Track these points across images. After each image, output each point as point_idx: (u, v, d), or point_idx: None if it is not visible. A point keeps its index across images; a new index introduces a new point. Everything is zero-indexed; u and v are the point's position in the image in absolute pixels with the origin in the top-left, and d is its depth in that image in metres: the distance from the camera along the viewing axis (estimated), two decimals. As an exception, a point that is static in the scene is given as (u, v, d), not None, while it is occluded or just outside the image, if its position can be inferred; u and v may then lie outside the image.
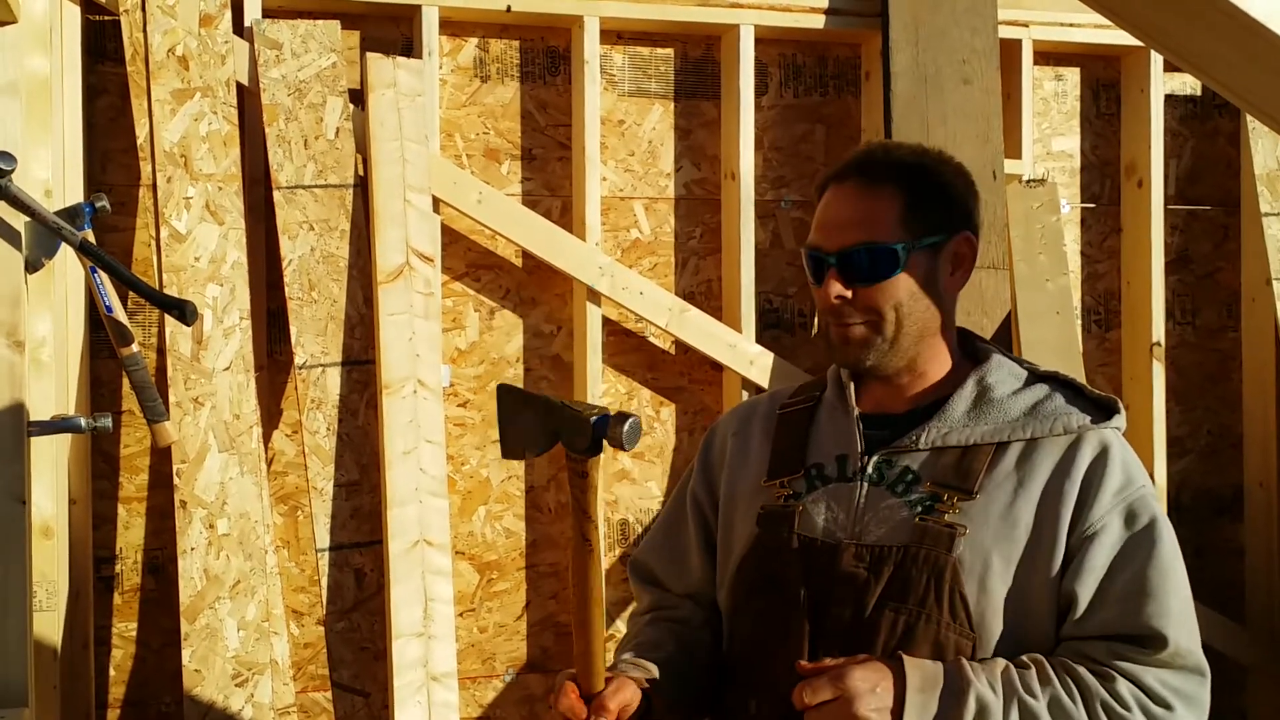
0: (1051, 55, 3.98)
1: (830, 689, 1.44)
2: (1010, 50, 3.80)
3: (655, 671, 1.65)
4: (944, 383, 1.62)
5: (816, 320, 3.81)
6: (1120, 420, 1.56)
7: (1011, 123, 3.79)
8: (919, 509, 1.52)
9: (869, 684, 1.43)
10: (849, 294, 1.57)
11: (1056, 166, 4.01)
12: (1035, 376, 1.61)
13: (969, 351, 1.67)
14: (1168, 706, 1.45)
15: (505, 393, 1.61)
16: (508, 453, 1.66)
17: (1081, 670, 1.45)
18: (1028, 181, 3.77)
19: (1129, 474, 1.52)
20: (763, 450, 1.69)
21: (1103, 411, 1.56)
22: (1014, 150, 3.78)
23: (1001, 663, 1.47)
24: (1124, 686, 1.44)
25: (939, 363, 1.63)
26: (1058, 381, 1.60)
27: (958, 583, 1.48)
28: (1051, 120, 4.02)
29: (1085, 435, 1.52)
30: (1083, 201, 4.04)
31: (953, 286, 1.61)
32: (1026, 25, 3.85)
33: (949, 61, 3.56)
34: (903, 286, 1.56)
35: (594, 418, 1.48)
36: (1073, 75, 4.04)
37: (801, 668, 1.49)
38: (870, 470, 1.57)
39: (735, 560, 1.67)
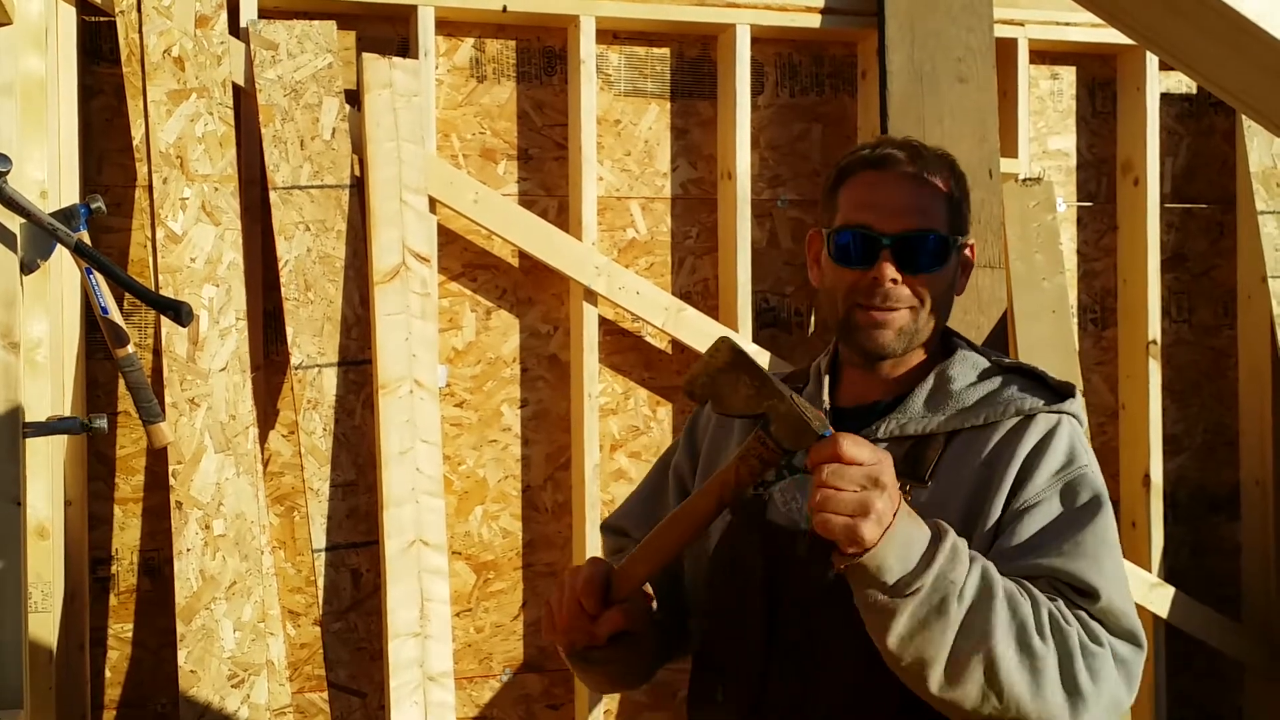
0: (1047, 54, 3.98)
1: (865, 461, 1.36)
2: (1006, 49, 3.80)
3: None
4: (913, 375, 1.63)
5: (813, 318, 3.82)
6: (1073, 405, 1.57)
7: (1008, 121, 3.79)
8: None
9: (889, 485, 1.37)
10: (900, 278, 1.56)
11: (1052, 165, 4.01)
12: (997, 368, 1.62)
13: (944, 346, 1.69)
14: (1099, 642, 1.44)
15: (735, 351, 1.47)
16: (695, 392, 1.51)
17: (1056, 600, 1.45)
18: (1024, 180, 3.77)
19: (1073, 454, 1.53)
20: (742, 436, 1.69)
21: (1058, 396, 1.58)
22: (1010, 149, 3.78)
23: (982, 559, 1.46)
24: (1094, 623, 1.44)
25: (917, 356, 1.65)
26: (1018, 371, 1.62)
27: None
28: (1047, 119, 4.02)
29: (1036, 417, 1.54)
30: (1079, 200, 4.04)
31: (961, 286, 1.66)
32: (1022, 24, 3.85)
33: (945, 60, 3.56)
34: (945, 279, 1.59)
35: (821, 432, 1.39)
36: (1069, 74, 4.04)
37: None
38: None
39: (711, 543, 1.66)
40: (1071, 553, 1.47)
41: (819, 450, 1.36)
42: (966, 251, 1.65)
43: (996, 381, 1.59)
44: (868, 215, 1.58)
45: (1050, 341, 3.61)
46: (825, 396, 1.68)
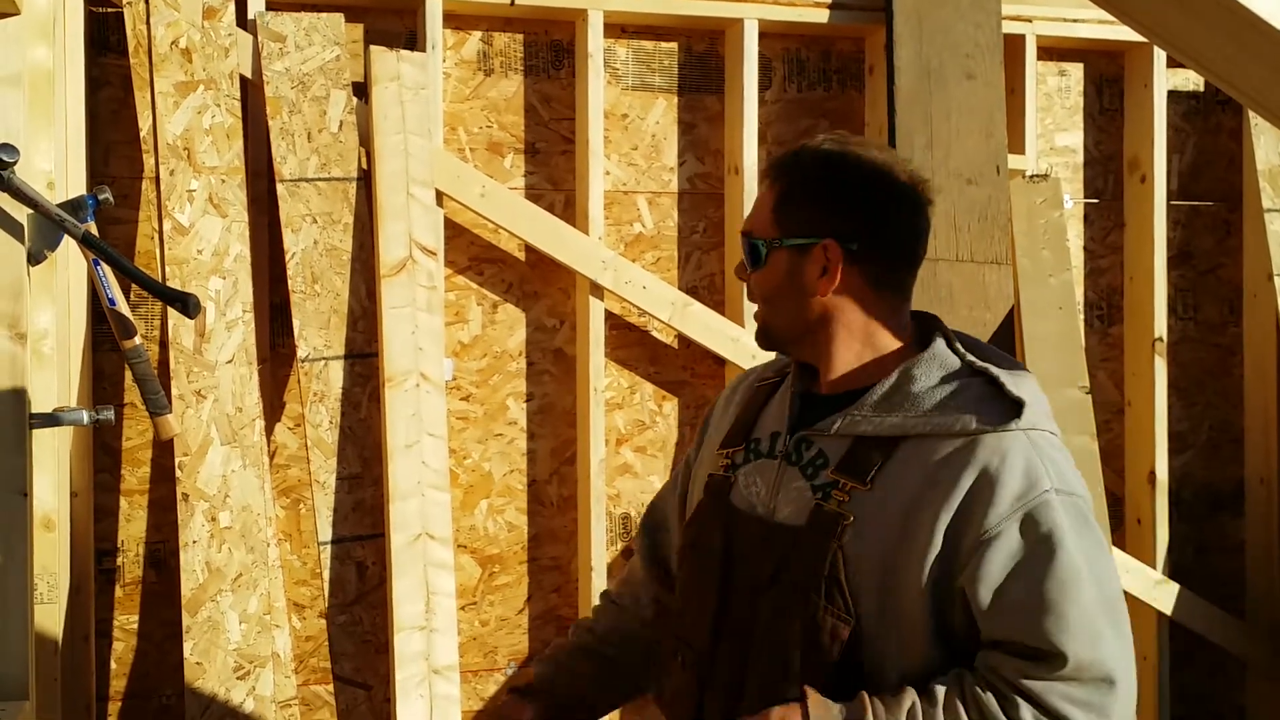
0: (1055, 50, 3.98)
1: None
2: (1014, 45, 3.80)
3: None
4: (879, 369, 1.60)
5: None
6: (1020, 423, 1.51)
7: (1015, 118, 3.79)
8: (820, 494, 1.54)
9: None
10: (746, 276, 1.65)
11: (1060, 162, 4.00)
12: (965, 370, 1.57)
13: (923, 340, 1.64)
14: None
15: None
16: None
17: (988, 698, 1.46)
18: (1031, 177, 3.77)
19: (1031, 478, 1.48)
20: (729, 420, 1.74)
21: (1011, 411, 1.52)
22: (1017, 145, 3.77)
23: (909, 698, 1.48)
24: (1027, 713, 1.44)
25: (857, 353, 1.61)
26: (981, 376, 1.56)
27: (836, 569, 1.50)
28: (1055, 115, 4.01)
29: (984, 438, 1.49)
30: (1086, 197, 4.03)
31: (825, 288, 1.58)
32: (1030, 20, 3.84)
33: (953, 56, 3.55)
34: (767, 280, 1.60)
35: None
36: (1076, 71, 4.04)
37: None
38: (790, 449, 1.60)
39: (687, 520, 1.74)
40: (1034, 615, 1.45)
41: None
42: (819, 252, 1.57)
43: (955, 386, 1.54)
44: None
45: (1057, 338, 3.61)
46: (790, 382, 1.69)
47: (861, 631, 1.50)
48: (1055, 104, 4.01)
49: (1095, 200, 4.04)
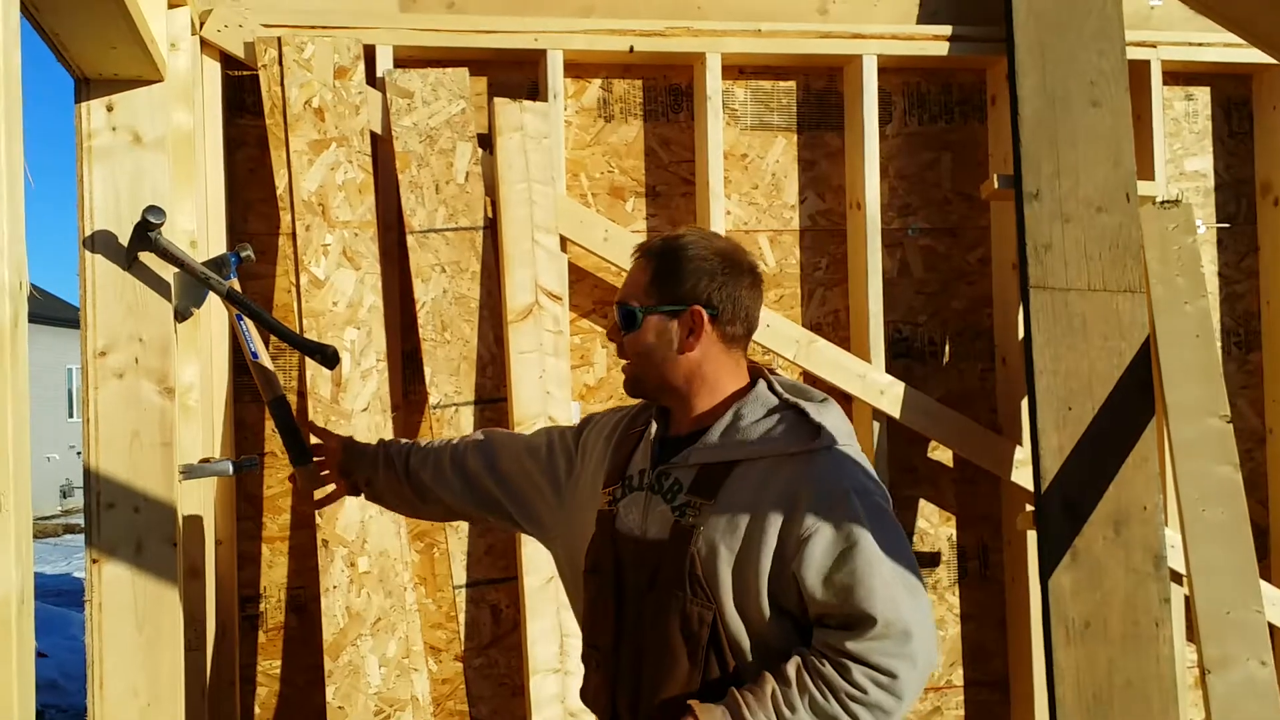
0: (1181, 75, 3.89)
1: None
2: (1139, 71, 3.73)
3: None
4: (720, 409, 1.98)
5: (947, 348, 3.77)
6: (822, 441, 1.90)
7: (1143, 144, 3.72)
8: (677, 513, 1.92)
9: None
10: (620, 339, 2.00)
11: (1190, 187, 3.91)
12: (780, 406, 1.95)
13: (753, 383, 2.01)
14: (892, 675, 1.82)
15: None
16: None
17: (826, 668, 1.83)
18: (1161, 203, 3.68)
19: (834, 484, 1.88)
20: (606, 461, 2.11)
21: (814, 434, 1.91)
22: (1146, 172, 3.70)
23: (769, 685, 1.84)
24: (858, 672, 1.82)
25: (708, 397, 1.98)
26: (793, 409, 1.94)
27: (695, 568, 1.88)
28: (1183, 140, 3.92)
29: (797, 456, 1.90)
30: (1218, 221, 3.93)
31: (691, 346, 1.95)
32: (1155, 46, 3.77)
33: (1077, 84, 3.49)
34: (641, 340, 1.97)
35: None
36: (1203, 95, 3.94)
37: None
38: (653, 482, 1.98)
39: (584, 546, 2.07)
40: (848, 591, 1.83)
41: None
42: (687, 318, 1.95)
43: (773, 419, 1.94)
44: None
45: (1195, 366, 3.50)
46: (650, 429, 2.04)
47: (721, 615, 1.88)
48: (1183, 129, 3.92)
49: (1228, 225, 3.93)
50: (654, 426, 2.05)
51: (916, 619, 1.85)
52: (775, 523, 1.86)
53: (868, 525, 1.86)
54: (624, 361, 2.03)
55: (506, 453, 2.27)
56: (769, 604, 1.88)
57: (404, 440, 2.40)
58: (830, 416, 1.94)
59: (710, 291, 1.97)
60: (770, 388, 2.00)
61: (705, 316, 1.96)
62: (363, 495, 2.40)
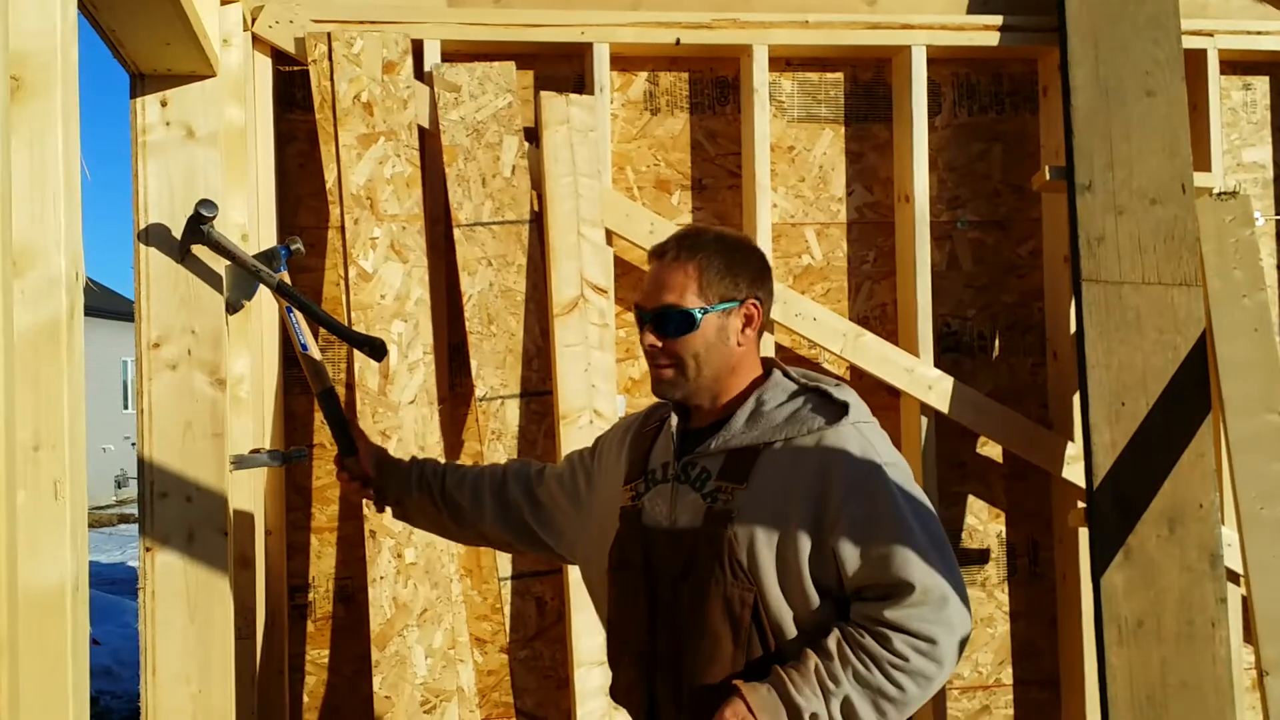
0: (1238, 64, 3.83)
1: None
2: (1195, 60, 3.67)
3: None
4: (740, 399, 2.01)
5: (997, 342, 3.73)
6: (847, 419, 1.93)
7: (1199, 134, 3.65)
8: (709, 499, 1.95)
9: None
10: (660, 344, 1.99)
11: (1248, 178, 3.84)
12: (801, 390, 2.00)
13: (766, 372, 2.06)
14: (932, 640, 1.85)
15: None
16: None
17: (867, 639, 1.85)
18: (1218, 194, 3.62)
19: (865, 458, 1.91)
20: (623, 461, 2.15)
21: (840, 412, 1.94)
22: (1202, 163, 3.64)
23: (812, 660, 1.86)
24: (899, 640, 1.84)
25: (739, 386, 2.02)
26: (815, 392, 1.99)
27: (733, 552, 1.90)
28: (1241, 131, 3.85)
29: (825, 433, 1.93)
30: (1277, 214, 3.86)
31: (746, 339, 2.01)
32: (1211, 34, 3.71)
33: (1131, 74, 3.44)
34: (697, 341, 1.97)
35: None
36: (1261, 84, 3.87)
37: None
38: (679, 472, 2.00)
39: (607, 549, 2.09)
40: (884, 560, 1.86)
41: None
42: (745, 309, 1.99)
43: (797, 402, 1.98)
44: (641, 297, 2.05)
45: (1252, 361, 3.44)
46: (672, 424, 2.06)
47: (764, 597, 1.90)
48: (1241, 119, 3.85)
49: (1287, 217, 3.87)
50: (674, 419, 2.07)
51: (952, 584, 1.88)
52: (810, 500, 1.89)
53: (899, 496, 1.90)
54: (663, 366, 2.01)
55: (543, 484, 2.29)
56: (811, 584, 1.90)
57: (437, 461, 2.40)
58: (853, 396, 1.99)
59: (759, 283, 2.03)
60: (786, 375, 2.05)
61: (759, 309, 2.01)
62: (389, 511, 2.39)
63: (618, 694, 2.12)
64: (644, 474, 2.07)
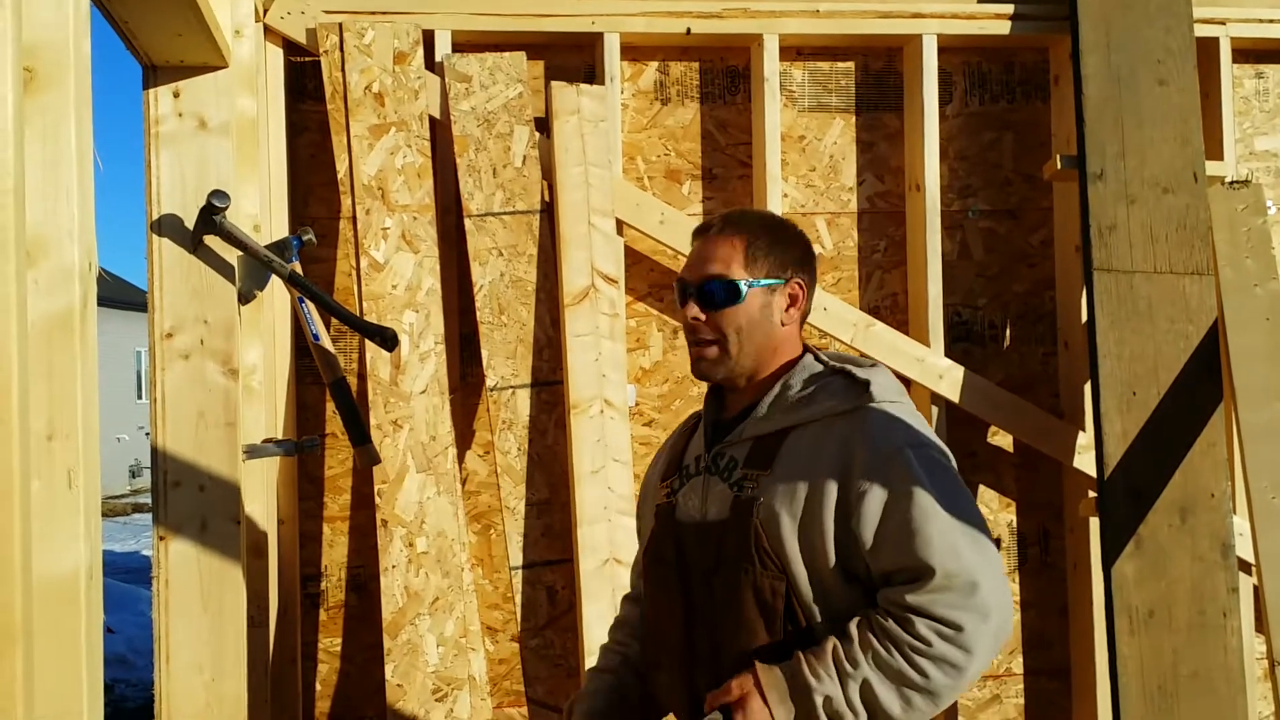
0: (1251, 52, 3.81)
1: None
2: (1207, 48, 3.66)
3: None
4: (768, 383, 1.99)
5: (1008, 331, 3.73)
6: (871, 396, 1.90)
7: (1211, 123, 3.64)
8: (736, 488, 1.93)
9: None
10: (704, 316, 1.96)
11: (1260, 167, 3.83)
12: (826, 372, 1.97)
13: (801, 356, 2.04)
14: (958, 627, 1.78)
15: None
16: None
17: (889, 622, 1.80)
18: (1230, 183, 3.60)
19: (887, 438, 1.87)
20: (662, 463, 2.15)
21: (862, 392, 1.91)
22: (1214, 151, 3.62)
23: (830, 642, 1.82)
24: (921, 625, 1.78)
25: (773, 369, 2.00)
26: (840, 374, 1.96)
27: (760, 541, 1.87)
28: (1253, 119, 3.84)
29: (848, 415, 1.90)
30: (1289, 202, 3.85)
31: (791, 319, 1.99)
32: (1224, 23, 3.69)
33: (1143, 62, 3.43)
34: (741, 315, 1.95)
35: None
36: (1274, 72, 3.86)
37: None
38: (710, 463, 1.99)
39: (643, 545, 2.11)
40: (905, 542, 1.80)
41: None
42: (789, 289, 1.98)
43: (823, 384, 1.95)
44: (684, 270, 2.02)
45: (1264, 351, 3.43)
46: (704, 416, 2.05)
47: (794, 584, 1.86)
48: (1253, 107, 3.84)
49: (1300, 205, 3.85)
50: (705, 416, 2.06)
51: (983, 570, 1.81)
52: (833, 483, 1.85)
53: (922, 477, 1.84)
54: (706, 340, 1.97)
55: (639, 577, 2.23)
56: (839, 569, 1.86)
57: (610, 654, 2.21)
58: (880, 376, 1.95)
59: (803, 267, 2.01)
60: (816, 358, 2.01)
61: (803, 290, 2.00)
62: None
63: (659, 696, 2.07)
64: (679, 470, 2.06)
